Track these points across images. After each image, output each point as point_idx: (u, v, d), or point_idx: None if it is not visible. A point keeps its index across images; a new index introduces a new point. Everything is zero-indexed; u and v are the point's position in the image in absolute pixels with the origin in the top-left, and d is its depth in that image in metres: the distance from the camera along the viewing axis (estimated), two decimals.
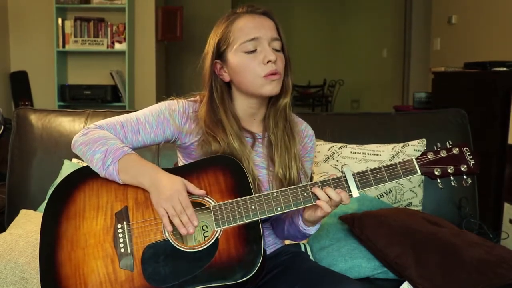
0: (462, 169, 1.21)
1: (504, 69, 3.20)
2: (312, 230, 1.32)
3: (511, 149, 2.87)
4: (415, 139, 1.87)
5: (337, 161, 1.82)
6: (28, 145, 1.85)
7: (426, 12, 5.73)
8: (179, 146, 1.39)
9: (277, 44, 1.30)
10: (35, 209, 1.73)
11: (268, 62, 1.26)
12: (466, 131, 1.96)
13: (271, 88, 1.29)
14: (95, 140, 1.24)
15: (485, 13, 4.29)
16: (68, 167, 1.75)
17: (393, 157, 1.82)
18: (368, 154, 1.83)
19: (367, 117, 2.09)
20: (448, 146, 1.24)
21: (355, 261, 1.58)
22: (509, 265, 1.49)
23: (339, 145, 1.86)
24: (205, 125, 1.31)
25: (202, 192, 1.22)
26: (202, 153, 1.32)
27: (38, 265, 1.33)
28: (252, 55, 1.28)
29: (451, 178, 1.22)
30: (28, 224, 1.58)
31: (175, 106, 1.34)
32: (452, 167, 1.22)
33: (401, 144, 1.86)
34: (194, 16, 6.27)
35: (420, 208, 1.84)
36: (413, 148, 1.84)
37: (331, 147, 1.85)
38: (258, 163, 1.36)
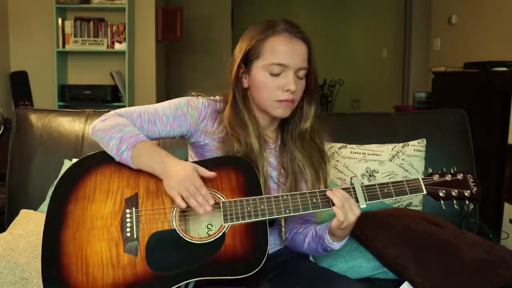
0: (466, 194, 1.28)
1: (504, 69, 3.20)
2: (336, 245, 1.32)
3: (511, 149, 2.87)
4: (415, 139, 1.87)
5: (337, 161, 1.82)
6: (28, 145, 1.85)
7: (426, 12, 5.73)
8: (193, 144, 1.40)
9: (302, 73, 1.32)
10: (35, 209, 1.73)
11: (287, 90, 1.29)
12: (466, 131, 1.96)
13: (282, 112, 1.32)
14: (112, 127, 1.27)
15: (485, 13, 4.29)
16: (68, 167, 1.75)
17: (393, 157, 1.82)
18: (368, 154, 1.83)
19: (367, 117, 2.09)
20: (453, 172, 1.31)
21: (355, 262, 1.58)
22: (509, 265, 1.49)
23: (339, 145, 1.85)
24: (229, 125, 1.33)
25: (213, 174, 1.24)
26: (223, 152, 1.34)
27: (38, 265, 1.34)
28: (275, 77, 1.29)
29: (454, 201, 1.29)
30: (28, 224, 1.58)
31: (195, 102, 1.36)
32: (456, 191, 1.28)
33: (401, 144, 1.86)
34: (194, 17, 6.27)
35: (420, 208, 1.84)
36: (413, 148, 1.84)
37: (331, 147, 1.85)
38: (267, 167, 1.37)
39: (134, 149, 1.24)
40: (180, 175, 1.20)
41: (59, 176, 1.27)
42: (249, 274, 1.16)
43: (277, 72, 1.28)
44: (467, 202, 1.29)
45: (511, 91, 2.90)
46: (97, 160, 1.29)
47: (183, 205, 1.20)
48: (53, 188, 1.28)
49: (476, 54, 4.23)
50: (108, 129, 1.27)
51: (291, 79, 1.28)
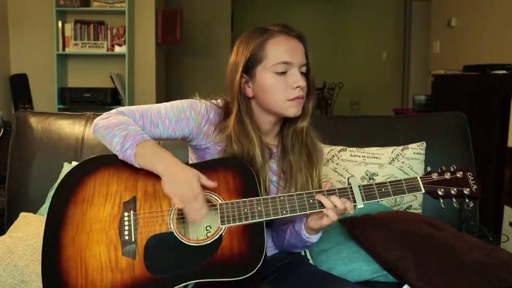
0: (465, 192, 1.26)
1: (504, 72, 3.20)
2: (314, 238, 1.33)
3: (510, 152, 2.87)
4: (414, 142, 1.87)
5: (337, 164, 1.82)
6: (28, 148, 1.85)
7: (425, 15, 5.74)
8: (194, 146, 1.40)
9: (304, 69, 1.33)
10: (34, 212, 1.73)
11: (297, 87, 1.29)
12: (465, 134, 1.96)
13: (295, 110, 1.32)
14: (116, 125, 1.26)
15: (485, 16, 4.30)
16: (68, 170, 1.75)
17: (393, 160, 1.82)
18: (367, 157, 1.83)
19: (366, 120, 2.09)
20: (452, 170, 1.28)
21: (355, 264, 1.57)
22: (509, 267, 1.49)
23: (339, 148, 1.86)
24: (234, 135, 1.32)
25: (214, 184, 1.24)
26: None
27: (37, 268, 1.34)
28: (282, 77, 1.30)
29: (453, 199, 1.26)
30: (28, 227, 1.58)
31: (198, 106, 1.35)
32: (455, 189, 1.26)
33: (401, 147, 1.86)
34: (194, 19, 6.28)
35: (420, 211, 1.84)
36: (413, 151, 1.84)
37: (330, 150, 1.85)
38: (269, 176, 1.38)
39: (138, 147, 1.23)
40: (181, 178, 1.20)
41: (59, 180, 1.27)
42: (247, 276, 1.16)
43: (283, 70, 1.29)
44: (467, 200, 1.27)
45: (511, 94, 2.90)
46: (96, 164, 1.30)
47: (180, 205, 1.20)
48: (53, 192, 1.28)
49: (476, 57, 4.24)
50: (112, 127, 1.26)
51: (298, 76, 1.29)
